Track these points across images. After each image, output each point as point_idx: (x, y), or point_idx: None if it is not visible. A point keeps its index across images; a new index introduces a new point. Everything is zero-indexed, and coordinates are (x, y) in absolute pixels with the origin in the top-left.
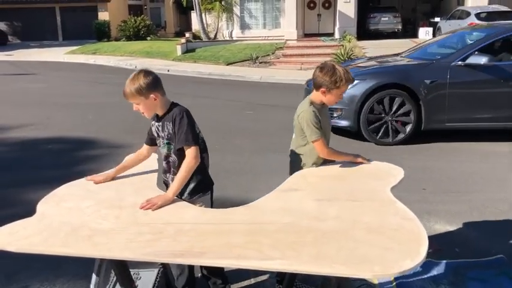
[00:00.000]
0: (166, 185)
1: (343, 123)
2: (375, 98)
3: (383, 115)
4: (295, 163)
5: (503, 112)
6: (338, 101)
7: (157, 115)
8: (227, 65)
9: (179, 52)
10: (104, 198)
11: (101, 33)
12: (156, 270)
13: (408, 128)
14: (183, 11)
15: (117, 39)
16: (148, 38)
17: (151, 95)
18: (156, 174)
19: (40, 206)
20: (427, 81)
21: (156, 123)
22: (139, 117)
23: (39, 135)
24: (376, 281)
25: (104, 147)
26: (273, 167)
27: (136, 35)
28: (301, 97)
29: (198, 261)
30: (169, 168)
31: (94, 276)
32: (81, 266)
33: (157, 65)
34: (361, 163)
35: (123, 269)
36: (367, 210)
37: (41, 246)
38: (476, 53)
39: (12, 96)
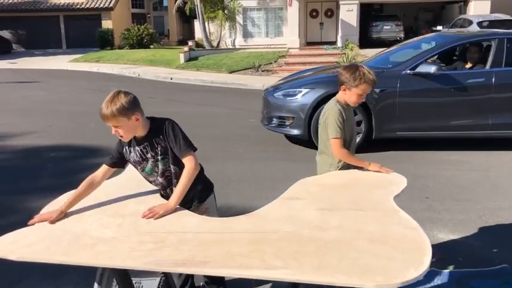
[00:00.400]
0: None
1: (295, 131)
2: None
3: None
4: (322, 164)
5: (454, 121)
6: (359, 101)
7: (134, 138)
8: (230, 73)
9: (182, 60)
10: (106, 207)
11: (104, 42)
12: (157, 279)
13: (358, 137)
14: (186, 20)
15: (120, 48)
16: (152, 46)
17: (134, 116)
18: None
19: None
20: (377, 90)
21: (137, 147)
22: None
23: (41, 143)
24: None
25: (106, 155)
26: (275, 174)
27: (140, 43)
28: None
29: (200, 271)
30: (169, 182)
31: (96, 285)
32: (83, 275)
33: (160, 73)
34: (377, 171)
35: (125, 278)
36: (370, 220)
37: (43, 254)
38: (426, 61)
39: (15, 104)
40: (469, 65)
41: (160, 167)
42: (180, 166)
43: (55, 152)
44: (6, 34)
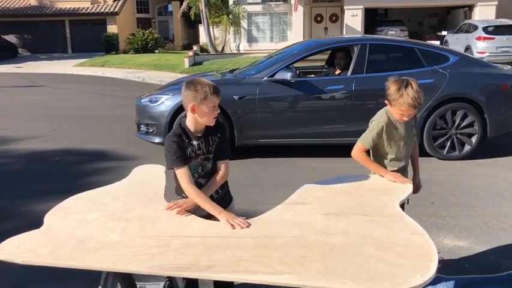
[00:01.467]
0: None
1: (157, 139)
2: (184, 114)
3: None
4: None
5: (314, 128)
6: (401, 119)
7: (190, 131)
8: None
9: (187, 65)
10: (111, 211)
11: (109, 46)
12: (162, 284)
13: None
14: (191, 25)
15: (125, 52)
16: (156, 51)
17: None
18: (163, 187)
19: (47, 218)
20: (236, 97)
21: (196, 141)
22: None
23: (46, 147)
24: None
25: (111, 160)
26: (279, 180)
27: (145, 48)
28: None
29: (204, 275)
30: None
31: None
32: (86, 280)
33: (165, 78)
34: (392, 181)
35: (129, 282)
36: (376, 225)
37: (48, 258)
38: (285, 68)
39: (20, 108)
40: (338, 71)
41: (209, 166)
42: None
43: (60, 156)
44: (12, 38)
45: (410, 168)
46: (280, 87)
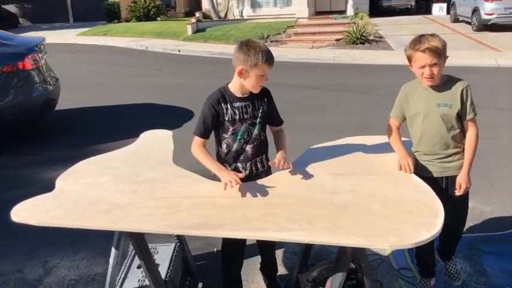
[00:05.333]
0: (256, 174)
1: None
2: None
3: None
4: None
5: None
6: (423, 77)
7: (232, 94)
8: None
9: (190, 32)
10: (121, 174)
11: (111, 15)
12: (172, 245)
13: None
14: None
15: (127, 20)
16: (159, 19)
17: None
18: (171, 151)
19: (59, 182)
20: None
21: (240, 103)
22: (149, 97)
23: (50, 117)
24: (389, 251)
25: (118, 128)
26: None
27: (147, 16)
28: (314, 76)
29: (215, 233)
30: (255, 151)
31: (113, 250)
32: (99, 243)
33: (168, 45)
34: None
35: (141, 242)
36: (383, 184)
37: (61, 219)
38: None
39: None
40: None
41: (255, 131)
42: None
43: (65, 124)
44: (12, 8)
45: None
46: None
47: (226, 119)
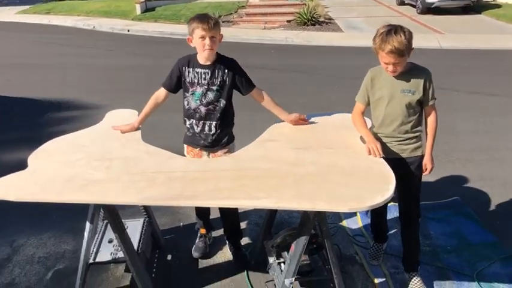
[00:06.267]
0: (203, 136)
1: None
2: None
3: None
4: None
5: None
6: (386, 69)
7: (197, 60)
8: None
9: (138, 11)
10: (92, 152)
11: None
12: (141, 220)
13: None
14: None
15: None
16: None
17: (221, 33)
18: (139, 129)
19: (31, 161)
20: None
21: (199, 69)
22: (102, 78)
23: (4, 97)
24: (345, 224)
25: (74, 109)
26: (246, 124)
27: None
28: (268, 57)
29: (192, 203)
30: (208, 114)
31: (88, 224)
32: (64, 222)
33: (116, 25)
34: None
35: (116, 217)
36: (341, 157)
37: (39, 195)
38: None
39: None
40: None
41: (210, 96)
42: (229, 105)
43: (20, 106)
44: None
45: None
46: None
47: (188, 80)
